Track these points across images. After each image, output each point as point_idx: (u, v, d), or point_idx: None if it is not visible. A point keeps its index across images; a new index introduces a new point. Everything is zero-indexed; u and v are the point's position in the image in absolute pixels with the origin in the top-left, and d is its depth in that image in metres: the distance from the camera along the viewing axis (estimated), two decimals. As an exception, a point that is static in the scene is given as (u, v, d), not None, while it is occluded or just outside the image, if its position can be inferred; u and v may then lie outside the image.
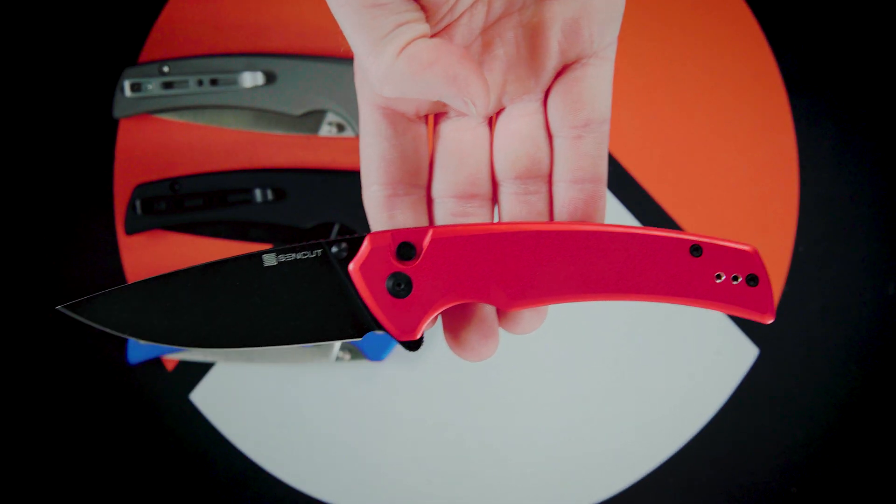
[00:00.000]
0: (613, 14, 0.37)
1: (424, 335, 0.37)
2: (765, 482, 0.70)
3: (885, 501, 0.70)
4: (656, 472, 0.70)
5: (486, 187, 0.38)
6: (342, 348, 0.69)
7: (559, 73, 0.38)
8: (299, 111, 0.69)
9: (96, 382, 0.70)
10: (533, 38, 0.37)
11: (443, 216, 0.38)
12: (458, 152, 0.38)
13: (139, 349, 0.69)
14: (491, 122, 0.39)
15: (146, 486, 0.70)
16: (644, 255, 0.36)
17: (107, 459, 0.70)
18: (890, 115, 0.70)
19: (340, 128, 0.69)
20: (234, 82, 0.69)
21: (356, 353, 0.69)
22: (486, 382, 0.70)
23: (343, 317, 0.36)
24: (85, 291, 0.72)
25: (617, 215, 0.70)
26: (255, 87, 0.69)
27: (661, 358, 0.70)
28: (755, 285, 0.36)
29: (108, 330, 0.36)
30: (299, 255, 0.36)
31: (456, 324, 0.37)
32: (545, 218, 0.38)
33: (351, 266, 0.36)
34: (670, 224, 0.70)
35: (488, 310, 0.38)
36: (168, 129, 0.70)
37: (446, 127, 0.38)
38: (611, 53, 0.38)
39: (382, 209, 0.38)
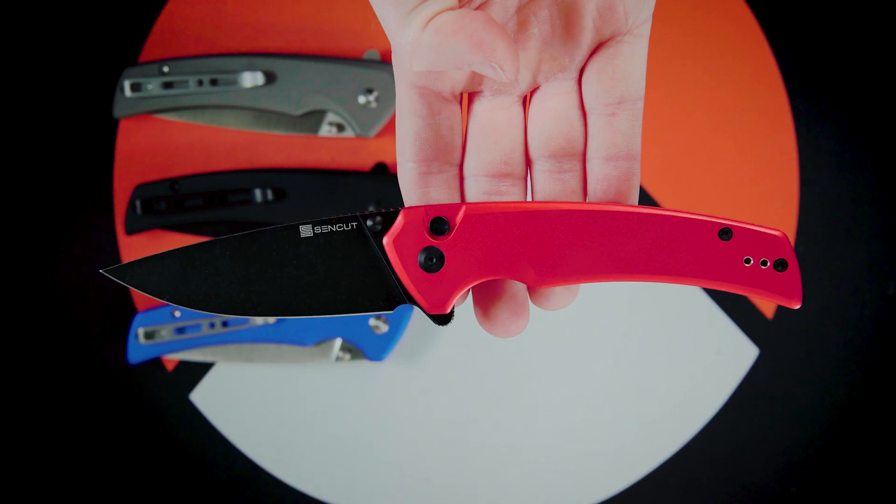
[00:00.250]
0: None
1: (454, 311, 0.37)
2: (765, 482, 0.70)
3: (885, 501, 0.70)
4: (656, 472, 0.70)
5: (519, 166, 0.39)
6: (342, 348, 0.69)
7: (594, 51, 0.38)
8: (299, 111, 0.69)
9: (96, 382, 0.70)
10: (568, 16, 0.37)
11: (476, 195, 0.39)
12: (493, 132, 0.38)
13: (139, 349, 0.69)
14: (525, 102, 0.39)
15: (146, 486, 0.70)
16: (674, 237, 0.36)
17: (107, 459, 0.70)
18: (890, 115, 0.70)
19: (340, 128, 0.69)
20: (234, 82, 0.69)
21: (356, 353, 0.69)
22: (485, 383, 0.70)
23: (375, 289, 0.37)
24: (85, 292, 0.73)
25: (617, 215, 0.70)
26: (255, 87, 0.69)
27: (661, 358, 0.70)
28: (783, 270, 0.37)
29: (147, 293, 0.37)
30: (335, 228, 0.37)
31: (486, 300, 0.38)
32: (579, 196, 0.39)
33: (385, 239, 0.37)
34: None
35: (519, 286, 0.38)
36: (168, 129, 0.70)
37: (480, 106, 0.39)
38: (645, 30, 0.38)
39: (416, 186, 0.38)
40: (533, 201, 0.38)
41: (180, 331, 0.69)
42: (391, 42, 0.36)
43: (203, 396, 0.70)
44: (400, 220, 0.37)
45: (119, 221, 0.71)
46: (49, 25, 0.71)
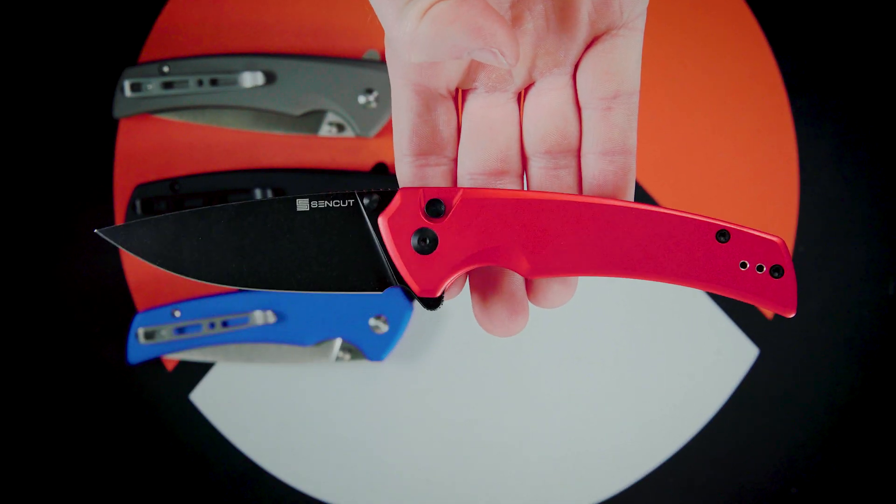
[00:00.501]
0: None
1: (444, 298, 0.37)
2: (765, 482, 0.70)
3: (885, 501, 0.70)
4: (656, 472, 0.70)
5: (515, 164, 0.39)
6: (342, 348, 0.69)
7: (588, 46, 0.38)
8: (299, 111, 0.69)
9: (96, 382, 0.70)
10: (563, 10, 0.37)
11: None
12: (489, 129, 0.38)
13: (139, 349, 0.69)
14: (519, 99, 0.39)
15: (146, 486, 0.70)
16: (670, 235, 0.36)
17: (107, 459, 0.70)
18: (890, 115, 0.70)
19: (340, 128, 0.69)
20: (234, 82, 0.69)
21: (356, 353, 0.69)
22: (485, 383, 0.70)
23: (367, 268, 0.37)
24: (85, 292, 0.73)
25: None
26: (255, 87, 0.69)
27: (661, 358, 0.70)
28: (779, 277, 0.36)
29: (140, 257, 0.37)
30: (331, 203, 0.37)
31: (485, 297, 0.38)
32: (574, 192, 0.38)
33: (380, 218, 0.37)
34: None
35: (517, 285, 0.38)
36: (168, 129, 0.70)
37: (475, 103, 0.39)
38: (640, 24, 0.38)
39: (414, 177, 0.39)
40: (531, 190, 0.38)
41: (180, 331, 0.69)
42: (387, 36, 0.36)
43: (203, 396, 0.70)
44: (397, 199, 0.37)
45: (119, 221, 0.70)
46: (49, 25, 0.71)
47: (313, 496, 0.70)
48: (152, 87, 0.69)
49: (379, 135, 0.69)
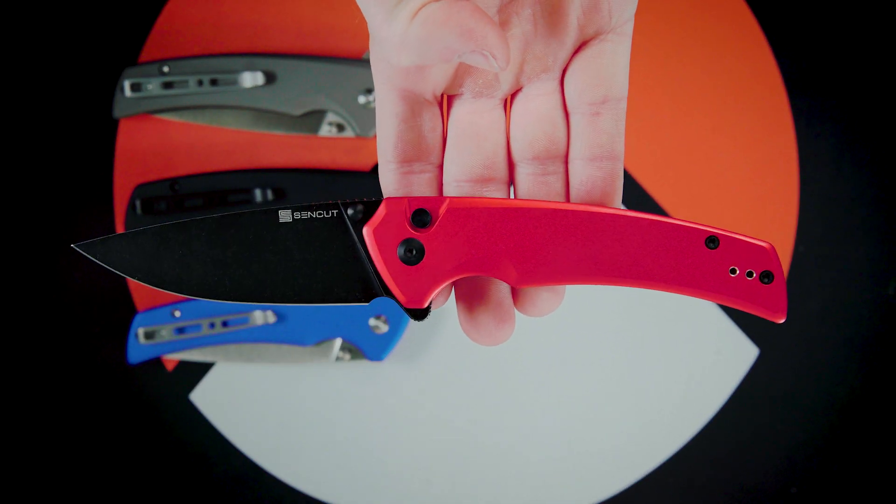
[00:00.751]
0: None
1: (431, 308, 0.36)
2: (765, 482, 0.70)
3: (885, 501, 0.70)
4: (656, 472, 0.70)
5: (502, 170, 0.38)
6: (342, 348, 0.69)
7: (577, 50, 0.37)
8: (299, 111, 0.69)
9: (96, 382, 0.70)
10: (552, 15, 0.36)
11: None
12: (475, 135, 0.38)
13: (139, 349, 0.69)
14: (506, 105, 0.39)
15: (146, 486, 0.70)
16: (659, 243, 0.36)
17: (106, 459, 0.70)
18: (890, 115, 0.70)
19: (340, 128, 0.69)
20: (234, 82, 0.69)
21: (356, 353, 0.69)
22: (485, 383, 0.70)
23: (352, 279, 0.36)
24: (85, 292, 0.73)
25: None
26: (255, 87, 0.69)
27: (661, 358, 0.70)
28: (769, 283, 0.36)
29: (118, 272, 0.36)
30: (315, 214, 0.36)
31: (470, 306, 0.37)
32: (562, 198, 0.38)
33: (365, 229, 0.36)
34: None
35: (504, 293, 0.38)
36: (168, 129, 0.70)
37: (461, 109, 0.38)
38: (628, 29, 0.37)
39: (399, 185, 0.38)
40: (518, 199, 0.37)
41: (180, 331, 0.69)
42: (375, 39, 0.35)
43: (203, 396, 0.70)
44: (381, 209, 0.36)
45: (119, 221, 0.71)
46: (49, 25, 0.71)
47: (313, 496, 0.70)
48: (152, 87, 0.69)
49: (379, 135, 0.69)
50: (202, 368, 0.70)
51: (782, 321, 0.36)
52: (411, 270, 0.36)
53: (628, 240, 0.36)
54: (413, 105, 0.37)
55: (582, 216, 0.36)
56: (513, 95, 0.38)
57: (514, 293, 0.38)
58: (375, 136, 0.71)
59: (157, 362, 0.70)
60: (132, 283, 0.70)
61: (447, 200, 0.36)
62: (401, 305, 0.36)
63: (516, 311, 0.38)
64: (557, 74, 0.38)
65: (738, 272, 0.36)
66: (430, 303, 0.36)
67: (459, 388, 0.70)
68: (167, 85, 0.69)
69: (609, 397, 0.70)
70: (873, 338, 0.70)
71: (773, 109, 0.70)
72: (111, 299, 0.70)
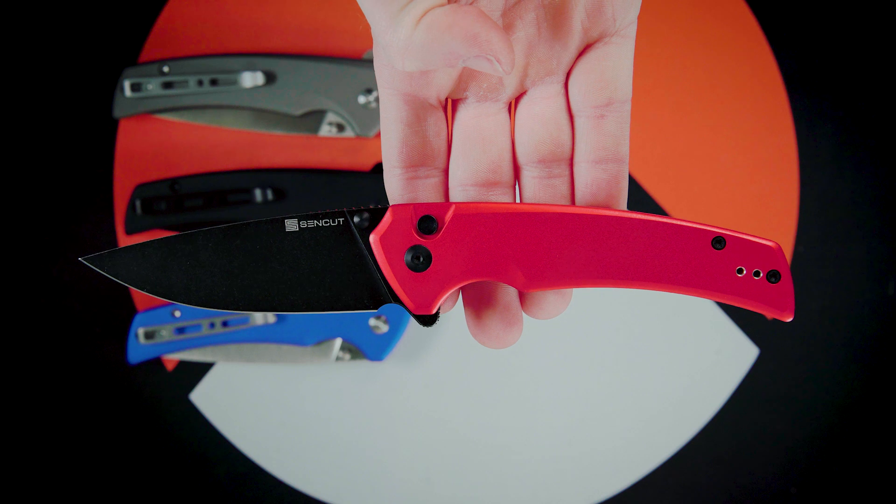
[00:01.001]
0: None
1: (440, 313, 0.37)
2: (765, 482, 0.70)
3: (885, 501, 0.70)
4: (656, 472, 0.70)
5: (508, 174, 0.38)
6: (342, 348, 0.69)
7: (580, 53, 0.37)
8: (299, 111, 0.69)
9: (96, 382, 0.70)
10: (556, 18, 0.36)
11: None
12: (480, 139, 0.38)
13: (139, 349, 0.69)
14: (510, 108, 0.39)
15: (146, 486, 0.70)
16: (666, 244, 0.36)
17: (107, 459, 0.70)
18: (890, 115, 0.70)
19: (340, 128, 0.69)
20: (234, 82, 0.69)
21: (356, 353, 0.69)
22: (485, 383, 0.70)
23: (360, 287, 0.37)
24: (85, 292, 0.73)
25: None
26: (255, 87, 0.69)
27: (661, 358, 0.70)
28: (776, 282, 0.36)
29: (126, 284, 0.36)
30: (321, 223, 0.37)
31: (478, 310, 0.37)
32: (568, 201, 0.38)
33: (371, 237, 0.36)
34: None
35: (511, 297, 0.38)
36: (168, 129, 0.70)
37: (466, 113, 0.38)
38: (632, 32, 0.37)
39: (404, 190, 0.38)
40: (524, 203, 0.37)
41: (180, 331, 0.69)
42: (378, 44, 0.35)
43: (203, 396, 0.70)
44: (388, 217, 0.36)
45: (119, 221, 0.71)
46: (49, 25, 0.71)
47: (313, 496, 0.70)
48: (152, 87, 0.69)
49: (379, 135, 0.69)
50: (202, 368, 0.70)
51: (790, 319, 0.36)
52: (419, 277, 0.36)
53: (635, 242, 0.36)
54: (417, 110, 0.37)
55: (588, 219, 0.36)
56: (517, 99, 0.38)
57: (521, 296, 0.38)
58: (375, 136, 0.71)
59: (157, 362, 0.70)
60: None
61: (453, 206, 0.36)
62: (409, 312, 0.36)
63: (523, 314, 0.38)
64: (561, 77, 0.38)
65: (745, 272, 0.36)
66: (439, 309, 0.37)
67: (459, 389, 0.70)
68: (167, 85, 0.69)
69: (609, 397, 0.70)
70: (873, 338, 0.70)
71: (773, 109, 0.70)
72: (111, 299, 0.70)
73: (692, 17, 0.70)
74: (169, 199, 0.69)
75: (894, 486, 0.70)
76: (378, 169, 0.70)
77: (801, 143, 0.70)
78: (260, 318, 0.69)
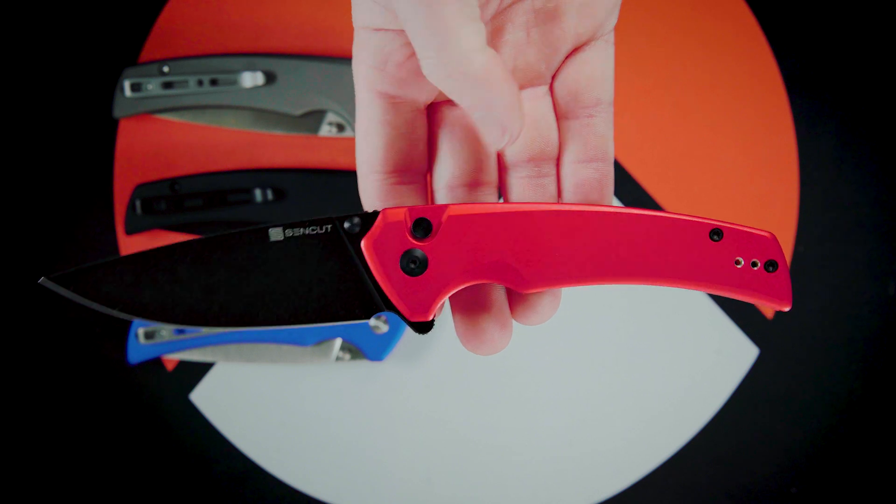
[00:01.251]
0: None
1: (435, 319, 0.36)
2: (765, 482, 0.70)
3: (885, 501, 0.70)
4: (656, 472, 0.70)
5: (493, 174, 0.38)
6: (342, 348, 0.69)
7: (567, 56, 0.38)
8: (299, 111, 0.69)
9: (96, 382, 0.70)
10: (547, 23, 0.37)
11: None
12: (468, 139, 0.38)
13: (139, 349, 0.69)
14: None
15: (146, 486, 0.70)
16: (663, 238, 0.36)
17: (107, 459, 0.70)
18: (890, 116, 0.70)
19: (340, 128, 0.69)
20: (234, 82, 0.69)
21: (356, 353, 0.69)
22: (485, 383, 0.70)
23: (352, 296, 0.35)
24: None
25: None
26: (255, 87, 0.69)
27: (661, 358, 0.70)
28: (773, 271, 0.36)
29: (96, 306, 0.34)
30: (308, 230, 0.35)
31: (472, 314, 0.37)
32: (555, 201, 0.38)
33: (363, 242, 0.35)
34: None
35: (503, 299, 0.37)
36: (168, 129, 0.70)
37: (452, 113, 0.38)
38: (612, 36, 0.38)
39: (386, 197, 0.37)
40: (519, 202, 0.37)
41: (180, 331, 0.69)
42: (378, 44, 0.34)
43: (203, 396, 0.70)
44: (380, 221, 0.35)
45: (119, 221, 0.71)
46: (49, 25, 0.71)
47: (313, 496, 0.70)
48: (152, 87, 0.69)
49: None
50: (202, 368, 0.70)
51: (788, 309, 0.36)
52: (414, 282, 0.35)
53: (633, 237, 0.36)
54: (405, 113, 0.37)
55: (586, 216, 0.36)
56: None
57: (512, 302, 0.37)
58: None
59: (157, 362, 0.70)
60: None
61: (448, 208, 0.35)
62: (405, 319, 0.35)
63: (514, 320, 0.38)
64: (548, 80, 0.38)
65: (742, 263, 0.36)
66: (435, 315, 0.36)
67: (459, 389, 0.70)
68: (167, 85, 0.69)
69: (609, 397, 0.70)
70: (873, 337, 0.70)
71: (773, 109, 0.70)
72: (111, 299, 0.70)
73: (692, 17, 0.70)
74: (169, 199, 0.69)
75: (894, 486, 0.70)
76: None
77: (801, 143, 0.70)
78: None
